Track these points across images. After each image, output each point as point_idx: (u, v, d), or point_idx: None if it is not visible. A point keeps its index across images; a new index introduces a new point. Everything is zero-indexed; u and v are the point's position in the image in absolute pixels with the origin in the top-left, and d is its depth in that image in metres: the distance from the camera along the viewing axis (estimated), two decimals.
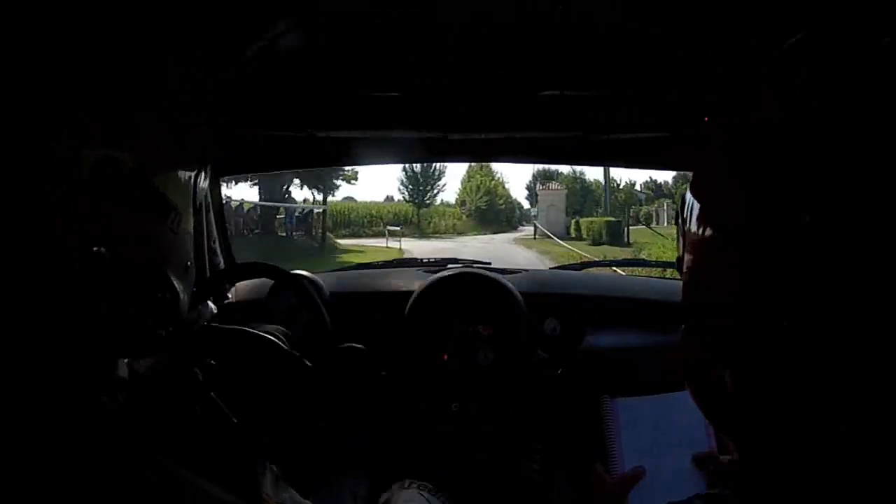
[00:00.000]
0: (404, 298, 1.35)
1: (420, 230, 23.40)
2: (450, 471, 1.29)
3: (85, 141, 0.43)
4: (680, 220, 0.49)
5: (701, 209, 0.44)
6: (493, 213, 26.72)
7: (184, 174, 0.52)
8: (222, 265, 1.45)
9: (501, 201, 27.73)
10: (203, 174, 0.56)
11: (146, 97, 0.49)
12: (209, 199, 1.34)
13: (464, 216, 26.61)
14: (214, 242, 1.42)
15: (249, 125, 1.18)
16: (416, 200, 25.50)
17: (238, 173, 1.43)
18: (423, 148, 1.40)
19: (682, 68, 1.04)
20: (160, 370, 0.58)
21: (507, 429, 1.32)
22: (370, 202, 28.97)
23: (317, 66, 1.12)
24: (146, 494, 0.39)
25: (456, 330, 1.35)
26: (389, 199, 32.10)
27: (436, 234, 23.49)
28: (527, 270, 1.53)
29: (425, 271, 1.43)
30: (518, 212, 30.13)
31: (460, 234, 23.54)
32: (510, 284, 1.34)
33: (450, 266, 1.51)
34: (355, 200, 27.54)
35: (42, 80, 0.43)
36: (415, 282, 1.38)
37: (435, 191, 26.03)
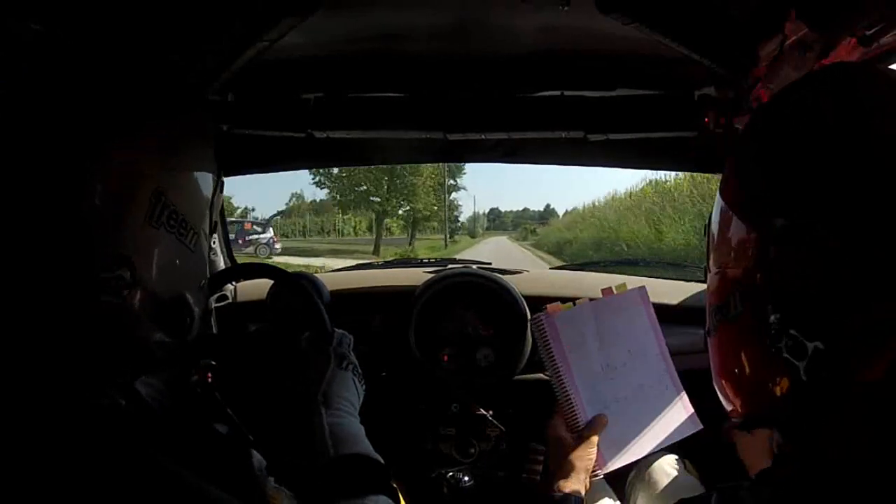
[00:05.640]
0: (405, 298, 1.35)
1: None
2: (450, 471, 1.29)
3: (108, 155, 0.44)
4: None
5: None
6: None
7: (203, 192, 0.52)
8: (222, 266, 1.44)
9: None
10: (218, 192, 0.56)
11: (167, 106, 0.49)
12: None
13: None
14: (214, 243, 1.42)
15: (249, 125, 1.18)
16: None
17: (238, 173, 1.43)
18: (423, 148, 1.40)
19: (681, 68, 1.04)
20: (167, 379, 0.59)
21: (508, 430, 1.31)
22: None
23: (316, 65, 1.12)
24: (146, 495, 0.39)
25: (456, 330, 1.35)
26: None
27: None
28: (528, 271, 1.53)
29: (425, 271, 1.43)
30: None
31: None
32: (511, 285, 1.33)
33: (450, 266, 1.51)
34: None
35: (68, 96, 0.43)
36: (415, 282, 1.38)
37: None
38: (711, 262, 0.49)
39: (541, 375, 1.33)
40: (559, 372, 0.78)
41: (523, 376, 1.33)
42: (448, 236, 29.51)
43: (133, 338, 0.47)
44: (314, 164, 2.32)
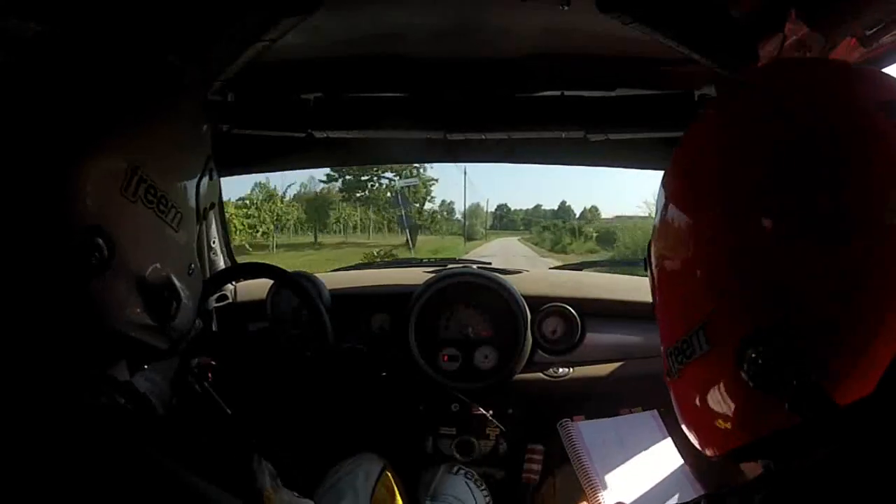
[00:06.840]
0: (404, 298, 1.35)
1: None
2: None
3: (75, 128, 0.43)
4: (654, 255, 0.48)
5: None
6: None
7: (187, 172, 0.52)
8: (222, 265, 1.44)
9: None
10: (207, 175, 0.56)
11: (148, 91, 0.49)
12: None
13: None
14: (214, 242, 1.42)
15: (250, 125, 1.18)
16: None
17: (238, 173, 1.43)
18: (423, 148, 1.40)
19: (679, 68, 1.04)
20: (164, 373, 0.59)
21: (508, 430, 1.31)
22: None
23: (316, 65, 1.12)
24: (144, 493, 0.39)
25: (455, 331, 1.35)
26: None
27: None
28: (527, 271, 1.53)
29: (425, 271, 1.43)
30: None
31: None
32: (510, 285, 1.33)
33: (450, 266, 1.51)
34: None
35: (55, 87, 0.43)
36: (415, 282, 1.38)
37: None
38: (665, 294, 0.46)
39: (541, 375, 1.33)
40: (584, 464, 0.87)
41: (523, 376, 1.33)
42: (411, 238, 20.02)
43: (115, 317, 0.46)
44: (314, 164, 2.32)
